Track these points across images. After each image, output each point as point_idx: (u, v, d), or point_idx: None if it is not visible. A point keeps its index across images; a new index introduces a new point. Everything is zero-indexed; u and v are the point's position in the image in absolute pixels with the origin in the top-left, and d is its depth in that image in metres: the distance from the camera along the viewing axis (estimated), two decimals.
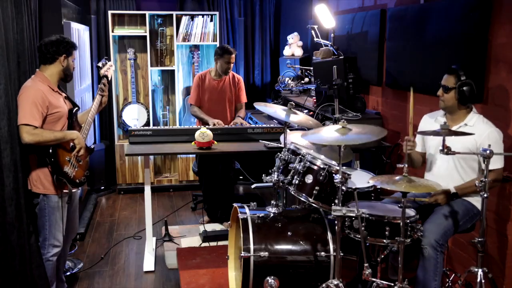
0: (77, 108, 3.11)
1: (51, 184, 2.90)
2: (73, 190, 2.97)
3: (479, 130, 2.76)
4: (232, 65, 4.49)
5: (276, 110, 3.23)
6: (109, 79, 3.37)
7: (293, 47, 5.77)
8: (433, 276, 2.67)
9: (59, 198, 2.94)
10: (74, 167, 2.96)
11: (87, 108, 3.21)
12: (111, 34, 5.55)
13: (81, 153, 2.98)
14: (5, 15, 2.69)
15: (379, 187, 2.99)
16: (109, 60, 3.43)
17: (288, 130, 3.22)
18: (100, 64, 3.37)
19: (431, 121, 3.05)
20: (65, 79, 3.04)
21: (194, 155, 5.23)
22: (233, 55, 4.46)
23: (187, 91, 5.84)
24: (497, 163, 2.72)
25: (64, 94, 3.05)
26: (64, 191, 2.94)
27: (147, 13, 5.59)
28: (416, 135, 3.16)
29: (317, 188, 2.79)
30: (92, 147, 3.19)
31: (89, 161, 3.18)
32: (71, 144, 2.93)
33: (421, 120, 3.17)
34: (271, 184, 2.98)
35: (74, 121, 3.05)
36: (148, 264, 3.83)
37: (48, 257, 2.99)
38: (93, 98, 5.67)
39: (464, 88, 2.76)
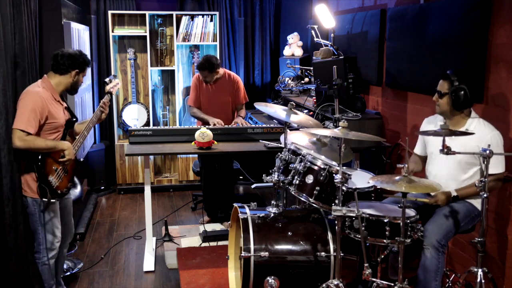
0: (75, 119, 3.10)
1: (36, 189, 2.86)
2: (52, 201, 2.88)
3: (481, 134, 2.74)
4: (210, 77, 4.40)
5: (276, 110, 3.23)
6: (113, 96, 3.36)
7: (293, 47, 5.77)
8: (434, 276, 2.67)
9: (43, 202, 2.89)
10: (60, 178, 2.92)
11: (86, 119, 3.20)
12: (111, 34, 5.55)
13: (67, 163, 2.94)
14: (3, 15, 2.69)
15: (379, 187, 2.99)
16: (116, 77, 3.42)
17: (288, 130, 3.22)
18: (107, 80, 3.37)
19: (430, 126, 3.03)
20: (70, 91, 3.05)
21: (196, 155, 5.22)
22: (208, 71, 4.34)
23: (187, 91, 5.84)
24: (498, 167, 2.70)
25: (65, 105, 3.03)
26: (44, 199, 2.85)
27: (147, 13, 5.59)
28: (418, 137, 3.16)
29: (317, 188, 2.79)
30: (82, 160, 3.17)
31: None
32: (61, 154, 2.90)
33: (422, 124, 3.16)
34: (271, 184, 2.98)
35: (69, 131, 3.03)
36: (148, 264, 3.83)
37: (44, 261, 2.96)
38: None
39: (457, 93, 2.74)
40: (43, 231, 2.91)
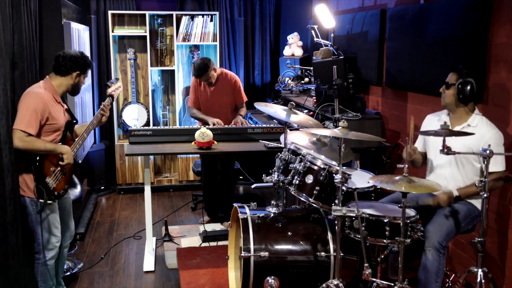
0: (75, 121, 3.11)
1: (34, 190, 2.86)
2: (48, 202, 2.86)
3: (482, 131, 2.74)
4: (211, 79, 4.39)
5: (276, 110, 3.23)
6: (114, 99, 3.37)
7: (293, 47, 5.77)
8: (435, 277, 2.67)
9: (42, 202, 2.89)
10: (57, 179, 2.92)
11: (86, 122, 3.22)
12: (111, 34, 5.55)
13: (66, 167, 2.95)
14: (3, 15, 2.69)
15: (379, 187, 2.99)
16: (118, 80, 3.43)
17: (288, 130, 3.22)
18: (108, 83, 3.39)
19: (434, 120, 3.03)
20: (72, 93, 3.06)
21: (198, 155, 5.20)
22: (206, 75, 4.32)
23: (187, 91, 5.84)
24: (498, 165, 2.70)
25: (65, 106, 3.05)
26: (40, 200, 2.84)
27: (147, 13, 5.59)
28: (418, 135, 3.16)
29: (317, 188, 2.79)
30: (80, 162, 3.18)
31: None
32: (60, 157, 2.90)
33: (425, 119, 3.16)
34: (271, 184, 2.98)
35: (68, 133, 3.04)
36: (148, 264, 3.83)
37: (44, 261, 2.96)
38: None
39: (464, 86, 2.76)
40: (42, 231, 2.90)
